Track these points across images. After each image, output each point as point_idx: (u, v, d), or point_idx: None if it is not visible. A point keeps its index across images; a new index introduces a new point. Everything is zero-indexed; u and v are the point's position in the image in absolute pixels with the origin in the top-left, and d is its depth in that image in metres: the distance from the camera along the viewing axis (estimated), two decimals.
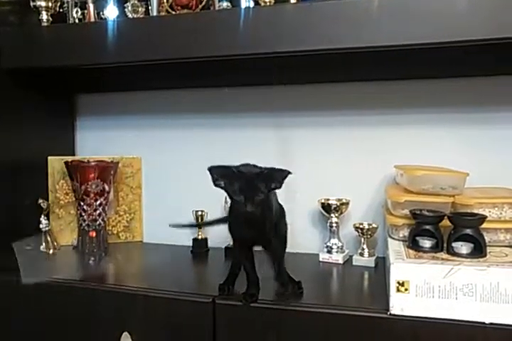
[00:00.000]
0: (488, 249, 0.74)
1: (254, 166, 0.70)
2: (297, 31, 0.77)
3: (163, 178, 1.18)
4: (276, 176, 0.69)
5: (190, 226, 1.06)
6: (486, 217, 0.75)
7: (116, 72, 1.02)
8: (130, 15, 0.94)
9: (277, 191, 0.78)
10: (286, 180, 1.04)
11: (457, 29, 0.71)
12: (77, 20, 0.99)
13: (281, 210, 0.80)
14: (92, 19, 0.97)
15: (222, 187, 0.69)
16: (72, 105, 1.24)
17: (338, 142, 1.06)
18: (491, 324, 0.65)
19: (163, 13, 0.94)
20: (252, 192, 0.66)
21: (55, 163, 1.12)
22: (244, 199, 0.66)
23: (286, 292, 0.75)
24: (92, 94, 1.24)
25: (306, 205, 1.07)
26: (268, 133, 1.10)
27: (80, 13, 1.00)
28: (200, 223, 1.07)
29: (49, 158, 1.12)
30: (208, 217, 1.09)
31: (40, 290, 0.86)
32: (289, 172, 0.69)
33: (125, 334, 0.67)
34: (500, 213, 0.80)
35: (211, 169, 0.69)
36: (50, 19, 0.99)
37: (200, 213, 1.09)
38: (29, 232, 1.05)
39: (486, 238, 0.75)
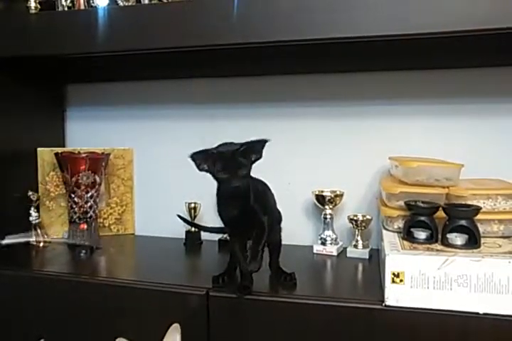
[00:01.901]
0: (482, 240, 0.74)
1: (232, 143, 0.71)
2: (292, 20, 0.76)
3: (155, 170, 1.17)
4: (255, 148, 0.70)
5: (194, 225, 1.05)
6: (480, 208, 0.76)
7: (107, 61, 0.99)
8: (121, 3, 0.91)
9: (272, 185, 0.79)
10: (281, 172, 1.05)
11: (458, 19, 0.69)
12: (66, 8, 0.97)
13: (279, 216, 0.81)
14: (82, 7, 0.94)
15: (206, 171, 0.71)
16: (62, 95, 1.22)
17: (333, 133, 1.06)
18: (485, 314, 0.65)
19: (155, 1, 0.92)
20: (235, 168, 0.68)
21: (45, 155, 1.10)
22: (229, 175, 0.68)
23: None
24: (82, 84, 1.22)
25: (300, 197, 1.07)
26: (262, 124, 1.09)
27: (69, 0, 0.97)
28: (200, 227, 1.05)
29: (38, 149, 1.10)
30: (201, 209, 1.08)
31: (31, 283, 0.85)
32: (266, 141, 0.70)
33: (175, 325, 0.64)
34: (494, 204, 0.80)
35: (193, 155, 0.71)
36: (39, 7, 0.97)
37: (192, 205, 1.08)
38: (19, 225, 1.04)
39: (480, 229, 0.75)
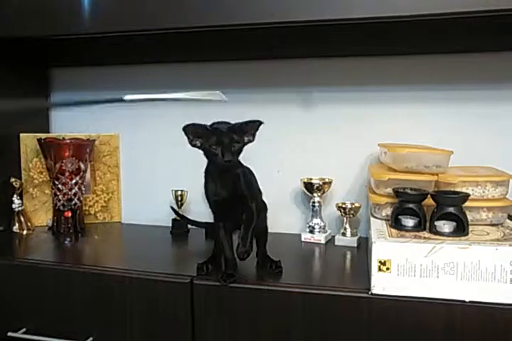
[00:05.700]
0: (471, 228, 0.74)
1: (227, 122, 0.73)
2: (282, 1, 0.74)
3: (141, 157, 1.15)
4: (249, 128, 0.73)
5: (182, 217, 1.04)
6: (468, 195, 0.75)
7: (93, 44, 0.97)
8: None
9: (261, 173, 0.79)
10: (270, 160, 1.04)
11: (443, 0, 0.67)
12: None
13: (264, 206, 0.81)
14: None
15: (198, 147, 0.72)
16: (46, 79, 1.19)
17: (321, 120, 1.04)
18: (471, 302, 0.65)
19: None
20: (228, 143, 0.70)
21: (28, 141, 1.08)
22: (222, 149, 0.70)
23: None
24: (67, 68, 1.19)
25: (289, 185, 1.06)
26: (250, 110, 1.07)
27: None
28: (188, 220, 1.04)
29: (21, 135, 1.08)
30: (188, 197, 1.07)
31: (14, 272, 0.84)
32: (261, 123, 0.73)
33: None
34: (483, 192, 0.79)
35: (185, 129, 0.72)
36: None
37: (179, 193, 1.07)
38: (1, 212, 1.02)
39: (468, 217, 0.74)
